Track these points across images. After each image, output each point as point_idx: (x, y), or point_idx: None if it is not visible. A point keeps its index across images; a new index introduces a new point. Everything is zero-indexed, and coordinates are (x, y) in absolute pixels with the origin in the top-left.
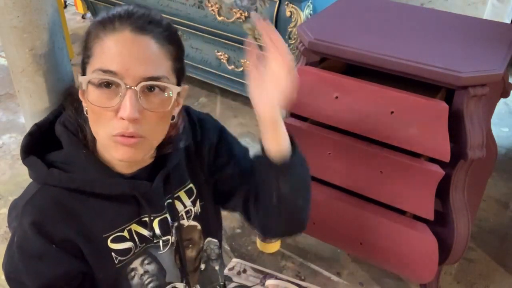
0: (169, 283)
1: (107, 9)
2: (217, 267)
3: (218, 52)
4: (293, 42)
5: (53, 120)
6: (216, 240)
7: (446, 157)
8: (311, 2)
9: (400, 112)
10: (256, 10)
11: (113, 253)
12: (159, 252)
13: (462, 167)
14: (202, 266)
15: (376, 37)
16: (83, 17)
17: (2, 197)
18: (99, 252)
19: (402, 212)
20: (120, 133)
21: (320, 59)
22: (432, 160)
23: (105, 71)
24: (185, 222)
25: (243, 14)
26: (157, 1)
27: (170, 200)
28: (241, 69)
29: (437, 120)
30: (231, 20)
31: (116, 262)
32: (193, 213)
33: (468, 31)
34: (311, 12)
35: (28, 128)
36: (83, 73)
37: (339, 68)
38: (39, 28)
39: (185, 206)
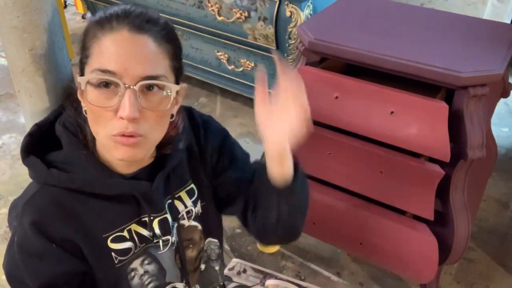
0: (169, 283)
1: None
2: (217, 267)
3: (218, 52)
4: (293, 42)
5: (53, 120)
6: (216, 240)
7: (446, 157)
8: (311, 2)
9: (400, 112)
10: (256, 10)
11: (113, 253)
12: (159, 252)
13: (462, 167)
14: (202, 266)
15: (376, 37)
16: (83, 17)
17: (2, 197)
18: (99, 252)
19: (402, 212)
20: (120, 133)
21: (320, 59)
22: (432, 160)
23: (104, 71)
24: (185, 222)
25: (243, 14)
26: (157, 1)
27: (170, 200)
28: (241, 69)
29: (437, 120)
30: (231, 20)
31: (116, 262)
32: (194, 214)
33: (468, 31)
34: (311, 12)
35: (28, 128)
36: (82, 73)
37: (339, 68)
38: (39, 28)
39: (186, 206)
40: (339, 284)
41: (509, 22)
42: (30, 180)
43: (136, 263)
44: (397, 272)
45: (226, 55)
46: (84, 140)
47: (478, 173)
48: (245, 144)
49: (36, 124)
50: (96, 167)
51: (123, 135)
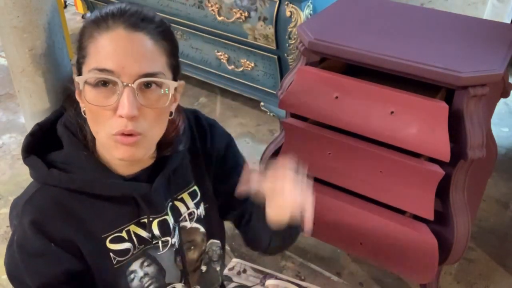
0: (169, 284)
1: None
2: (218, 268)
3: (218, 52)
4: (293, 42)
5: (55, 120)
6: (218, 241)
7: (446, 157)
8: (311, 2)
9: (400, 112)
10: (256, 10)
11: (111, 254)
12: (158, 253)
13: (462, 167)
14: (204, 268)
15: (376, 37)
16: (83, 17)
17: (2, 197)
18: (98, 252)
19: (402, 212)
20: (120, 131)
21: (320, 59)
22: (432, 160)
23: (101, 70)
24: (187, 224)
25: (243, 14)
26: (157, 1)
27: (171, 202)
28: (241, 69)
29: (437, 120)
30: (231, 20)
31: (114, 262)
32: (196, 215)
33: (468, 31)
34: (311, 12)
35: (28, 128)
36: (79, 73)
37: (339, 68)
38: (39, 28)
39: (188, 208)
40: (339, 284)
41: (509, 22)
42: (30, 180)
43: (135, 265)
44: (397, 272)
45: (226, 55)
46: (84, 140)
47: (478, 173)
48: (245, 144)
49: (38, 124)
50: (96, 167)
51: (123, 134)
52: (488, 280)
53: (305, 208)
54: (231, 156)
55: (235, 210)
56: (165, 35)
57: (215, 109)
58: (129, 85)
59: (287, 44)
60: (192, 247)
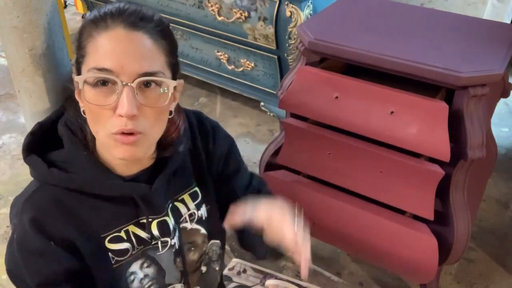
0: (169, 285)
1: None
2: (217, 268)
3: (218, 52)
4: (293, 42)
5: (56, 120)
6: (218, 241)
7: (446, 157)
8: (311, 2)
9: (400, 112)
10: (256, 10)
11: (110, 253)
12: (157, 253)
13: (462, 167)
14: (204, 269)
15: (376, 37)
16: (83, 17)
17: (2, 197)
18: (97, 251)
19: (402, 212)
20: (120, 131)
21: (320, 59)
22: (432, 160)
23: (100, 70)
24: (188, 225)
25: (243, 14)
26: (157, 1)
27: (172, 203)
28: (241, 69)
29: (437, 120)
30: (231, 20)
31: (113, 262)
32: (196, 216)
33: (468, 31)
34: (311, 12)
35: (28, 128)
36: (78, 72)
37: (339, 68)
38: (39, 28)
39: (188, 209)
40: (339, 284)
41: (509, 22)
42: (30, 180)
43: (135, 267)
44: (397, 272)
45: (226, 55)
46: (84, 140)
47: (478, 173)
48: (245, 144)
49: (39, 123)
50: (96, 168)
51: (123, 133)
52: (488, 280)
53: (302, 253)
54: (233, 159)
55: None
56: (164, 34)
57: (215, 109)
58: (129, 84)
59: (287, 44)
60: (193, 248)
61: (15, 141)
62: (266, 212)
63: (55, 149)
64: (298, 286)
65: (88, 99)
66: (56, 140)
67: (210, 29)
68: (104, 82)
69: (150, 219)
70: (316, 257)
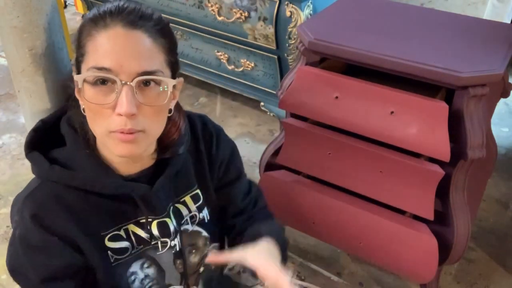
0: (169, 285)
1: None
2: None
3: (218, 52)
4: (293, 42)
5: (59, 117)
6: (218, 244)
7: (446, 157)
8: (311, 2)
9: (400, 112)
10: (256, 10)
11: (109, 252)
12: (157, 253)
13: (462, 167)
14: (202, 269)
15: (376, 37)
16: (83, 17)
17: (2, 197)
18: (96, 249)
19: (402, 212)
20: (119, 130)
21: (320, 59)
22: (432, 160)
23: (100, 69)
24: (189, 227)
25: (243, 14)
26: (157, 1)
27: (173, 205)
28: (241, 69)
29: (437, 120)
30: (231, 20)
31: (112, 260)
32: (198, 219)
33: (468, 31)
34: (311, 12)
35: (28, 128)
36: (78, 71)
37: (339, 68)
38: (39, 28)
39: (190, 211)
40: (339, 284)
41: (509, 22)
42: (30, 180)
43: (135, 267)
44: (397, 272)
45: (226, 55)
46: (86, 138)
47: (478, 173)
48: (245, 144)
49: (42, 120)
50: (98, 166)
51: (122, 133)
52: (488, 280)
53: None
54: (234, 166)
55: (227, 220)
56: (163, 32)
57: (215, 109)
58: (128, 83)
59: (287, 44)
60: (194, 251)
61: (15, 141)
62: (254, 261)
63: (57, 147)
64: (298, 286)
65: (88, 97)
66: (58, 138)
67: (210, 29)
68: (103, 81)
69: (149, 219)
70: (316, 257)
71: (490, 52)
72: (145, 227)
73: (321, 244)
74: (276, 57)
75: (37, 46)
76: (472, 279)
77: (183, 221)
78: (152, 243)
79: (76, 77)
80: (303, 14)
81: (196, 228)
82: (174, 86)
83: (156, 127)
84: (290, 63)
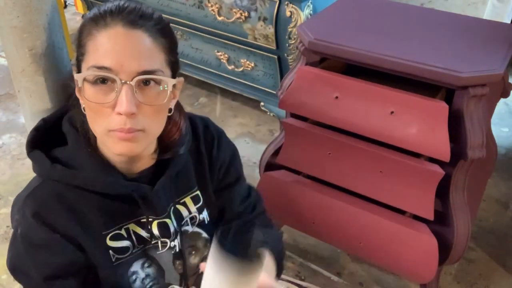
0: (169, 284)
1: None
2: None
3: (218, 52)
4: (293, 42)
5: (60, 116)
6: None
7: (446, 157)
8: (311, 2)
9: (400, 112)
10: (256, 10)
11: (110, 251)
12: (157, 252)
13: (462, 167)
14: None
15: (376, 37)
16: (83, 17)
17: (2, 197)
18: (98, 248)
19: (402, 212)
20: (119, 129)
21: (320, 59)
22: (432, 160)
23: (100, 68)
24: (189, 228)
25: (243, 14)
26: (157, 1)
27: (174, 206)
28: (241, 69)
29: (437, 120)
30: (231, 20)
31: (113, 260)
32: (198, 220)
33: (468, 31)
34: (311, 12)
35: (28, 128)
36: (78, 70)
37: (339, 68)
38: (39, 28)
39: (190, 212)
40: (339, 284)
41: (509, 22)
42: (30, 180)
43: (136, 266)
44: (397, 272)
45: (226, 55)
46: (88, 138)
47: (478, 173)
48: (245, 144)
49: (43, 119)
50: (99, 165)
51: (122, 131)
52: (488, 280)
53: None
54: (234, 169)
55: (223, 222)
56: (163, 32)
57: (215, 109)
58: (128, 82)
59: (287, 44)
60: (193, 252)
61: (15, 141)
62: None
63: (59, 146)
64: (298, 286)
65: (88, 96)
66: (60, 137)
67: (210, 29)
68: (103, 80)
69: (150, 219)
70: (316, 257)
71: (490, 52)
72: (145, 226)
73: (321, 244)
74: (276, 57)
75: (37, 46)
76: (472, 279)
77: (183, 222)
78: (153, 242)
79: (76, 76)
80: (303, 14)
81: (196, 229)
82: (174, 86)
83: (156, 126)
84: (290, 63)
